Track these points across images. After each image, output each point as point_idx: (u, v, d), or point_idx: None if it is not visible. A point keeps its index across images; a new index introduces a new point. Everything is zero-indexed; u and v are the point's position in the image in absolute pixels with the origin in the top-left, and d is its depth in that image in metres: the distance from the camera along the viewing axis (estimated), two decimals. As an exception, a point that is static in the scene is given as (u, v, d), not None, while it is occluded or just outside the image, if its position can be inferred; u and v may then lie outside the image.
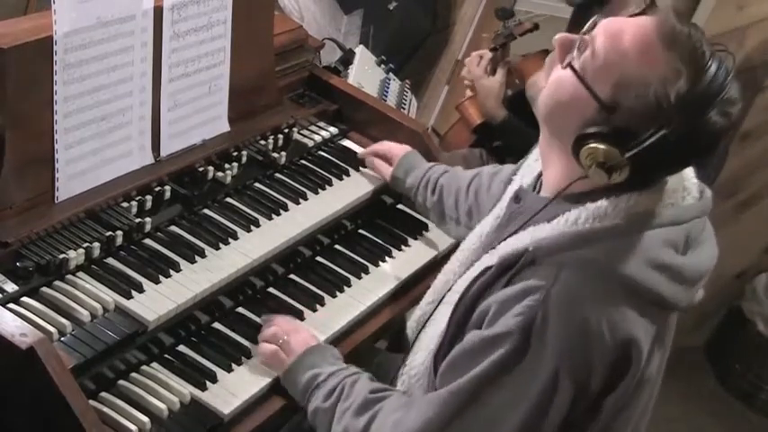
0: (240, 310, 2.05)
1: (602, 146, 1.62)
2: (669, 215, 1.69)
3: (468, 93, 3.18)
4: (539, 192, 1.84)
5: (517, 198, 1.86)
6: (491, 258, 1.77)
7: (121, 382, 1.81)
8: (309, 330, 1.99)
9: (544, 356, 1.61)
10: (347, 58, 2.98)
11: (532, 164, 1.96)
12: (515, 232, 1.76)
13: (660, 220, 1.68)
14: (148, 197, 2.05)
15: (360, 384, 1.83)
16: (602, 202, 1.67)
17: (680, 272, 1.68)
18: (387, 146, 2.45)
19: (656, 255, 1.65)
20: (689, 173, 1.79)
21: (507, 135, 3.04)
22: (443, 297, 1.90)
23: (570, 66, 1.67)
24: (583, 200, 1.69)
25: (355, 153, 2.50)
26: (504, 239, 1.78)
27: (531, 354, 1.61)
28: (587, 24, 1.70)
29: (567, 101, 1.68)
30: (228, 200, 2.20)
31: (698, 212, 1.75)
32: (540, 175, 1.87)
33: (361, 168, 2.46)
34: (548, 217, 1.72)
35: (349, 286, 2.19)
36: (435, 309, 1.91)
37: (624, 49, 1.62)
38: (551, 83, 1.72)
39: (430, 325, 1.90)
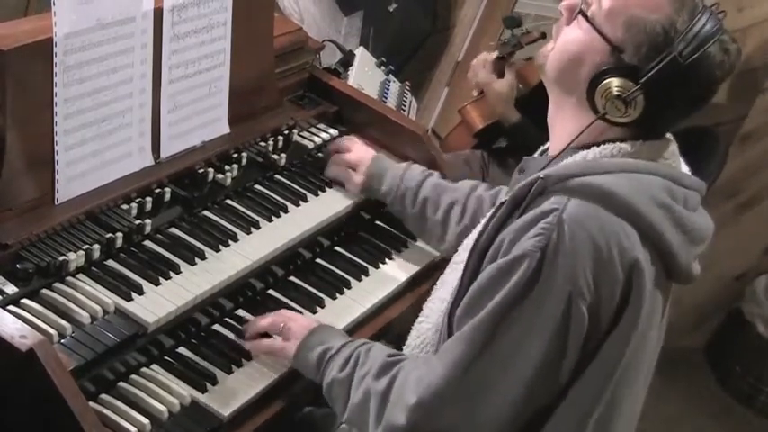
0: (240, 311, 2.05)
1: (616, 79, 1.72)
2: (670, 172, 1.77)
3: (475, 93, 3.18)
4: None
5: (521, 170, 1.89)
6: (504, 197, 1.81)
7: (121, 383, 1.81)
8: (307, 316, 2.02)
9: (557, 279, 1.65)
10: (347, 60, 2.98)
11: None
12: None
13: (663, 172, 1.75)
14: (148, 199, 2.05)
15: (375, 350, 1.84)
16: (609, 145, 1.76)
17: (681, 219, 1.74)
18: (349, 154, 2.36)
19: (658, 195, 1.72)
20: (684, 167, 1.85)
21: (518, 137, 3.05)
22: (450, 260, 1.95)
23: (581, 12, 1.76)
24: (589, 147, 1.77)
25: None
26: None
27: (545, 276, 1.66)
28: None
29: (578, 50, 1.77)
30: (228, 202, 2.20)
31: (695, 185, 1.80)
32: (544, 150, 1.92)
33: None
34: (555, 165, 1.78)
35: (349, 288, 2.19)
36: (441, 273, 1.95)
37: None
38: (560, 43, 1.81)
39: (436, 290, 1.93)
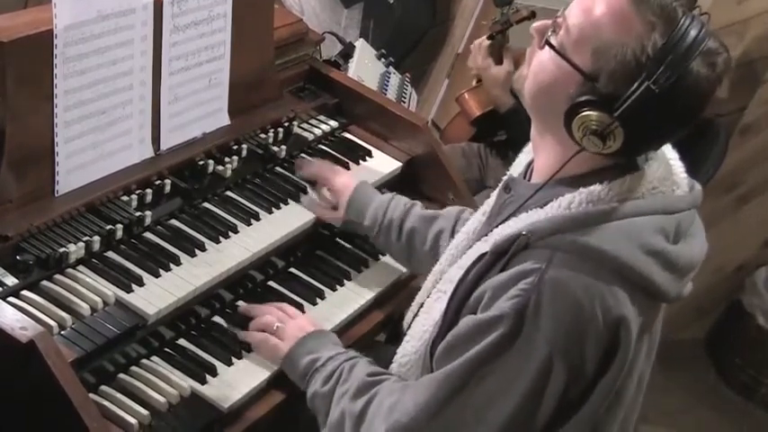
0: (240, 303, 2.05)
1: (592, 112, 1.63)
2: (660, 203, 1.71)
3: (474, 83, 3.18)
4: (529, 180, 1.84)
5: (507, 188, 1.85)
6: (485, 245, 1.77)
7: (122, 375, 1.81)
8: (305, 316, 2.01)
9: (537, 340, 1.61)
10: (347, 52, 2.98)
11: (521, 156, 1.96)
12: (508, 219, 1.76)
13: (652, 208, 1.69)
14: (148, 191, 2.05)
15: (358, 368, 1.84)
16: (596, 186, 1.69)
17: (671, 260, 1.69)
18: (329, 180, 2.27)
19: (648, 240, 1.66)
20: (678, 168, 1.81)
21: (514, 124, 3.04)
22: (435, 287, 1.90)
23: (548, 42, 1.69)
24: (575, 184, 1.71)
25: (356, 145, 2.50)
26: (497, 227, 1.78)
27: (524, 337, 1.62)
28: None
29: (551, 80, 1.70)
30: (229, 193, 2.20)
31: (688, 204, 1.76)
32: (530, 164, 1.87)
33: (361, 162, 2.46)
34: (540, 202, 1.72)
35: (349, 280, 2.20)
36: (427, 298, 1.91)
37: (597, 18, 1.65)
38: (533, 68, 1.74)
39: (422, 314, 1.90)
